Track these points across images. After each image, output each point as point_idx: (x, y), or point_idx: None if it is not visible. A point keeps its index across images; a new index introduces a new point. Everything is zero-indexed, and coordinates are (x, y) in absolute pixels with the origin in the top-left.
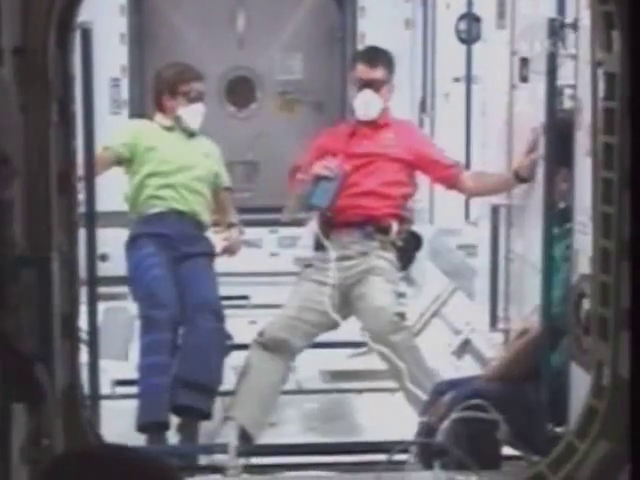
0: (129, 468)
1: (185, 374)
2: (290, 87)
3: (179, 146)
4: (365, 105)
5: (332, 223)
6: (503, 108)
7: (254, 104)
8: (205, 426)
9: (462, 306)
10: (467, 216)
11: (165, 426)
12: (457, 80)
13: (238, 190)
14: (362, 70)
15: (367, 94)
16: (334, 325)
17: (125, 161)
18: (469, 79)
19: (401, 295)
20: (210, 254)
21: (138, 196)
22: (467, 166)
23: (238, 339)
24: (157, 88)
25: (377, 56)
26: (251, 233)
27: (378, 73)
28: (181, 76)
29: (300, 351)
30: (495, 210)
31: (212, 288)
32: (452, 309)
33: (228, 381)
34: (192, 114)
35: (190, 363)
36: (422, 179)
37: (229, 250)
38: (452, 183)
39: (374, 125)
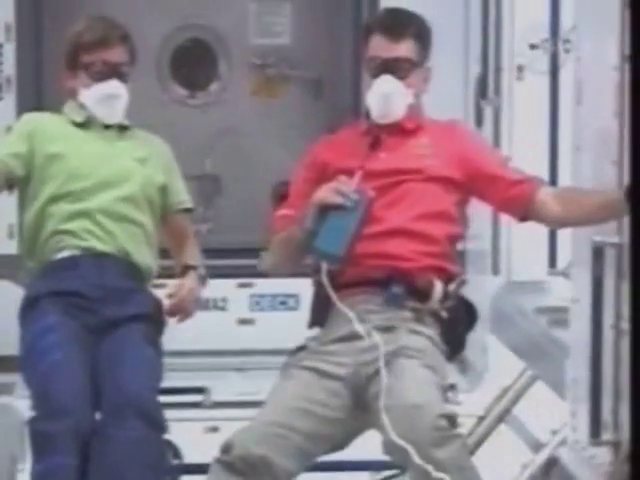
0: None
1: None
2: (272, 57)
3: (99, 150)
4: (384, 99)
5: (338, 281)
6: (610, 90)
7: (215, 84)
8: None
9: (545, 405)
10: (553, 262)
11: None
12: (534, 47)
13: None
14: (379, 45)
15: (386, 82)
16: (341, 441)
17: (18, 180)
18: (556, 45)
19: (450, 388)
20: (151, 318)
21: (37, 233)
22: (553, 183)
23: (190, 457)
24: (64, 60)
25: (403, 24)
26: (211, 287)
27: (403, 49)
28: (80, 38)
29: (289, 477)
30: (598, 252)
31: (145, 373)
32: (529, 409)
33: None
34: (98, 100)
35: None
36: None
37: (178, 310)
38: (525, 209)
39: (400, 129)
